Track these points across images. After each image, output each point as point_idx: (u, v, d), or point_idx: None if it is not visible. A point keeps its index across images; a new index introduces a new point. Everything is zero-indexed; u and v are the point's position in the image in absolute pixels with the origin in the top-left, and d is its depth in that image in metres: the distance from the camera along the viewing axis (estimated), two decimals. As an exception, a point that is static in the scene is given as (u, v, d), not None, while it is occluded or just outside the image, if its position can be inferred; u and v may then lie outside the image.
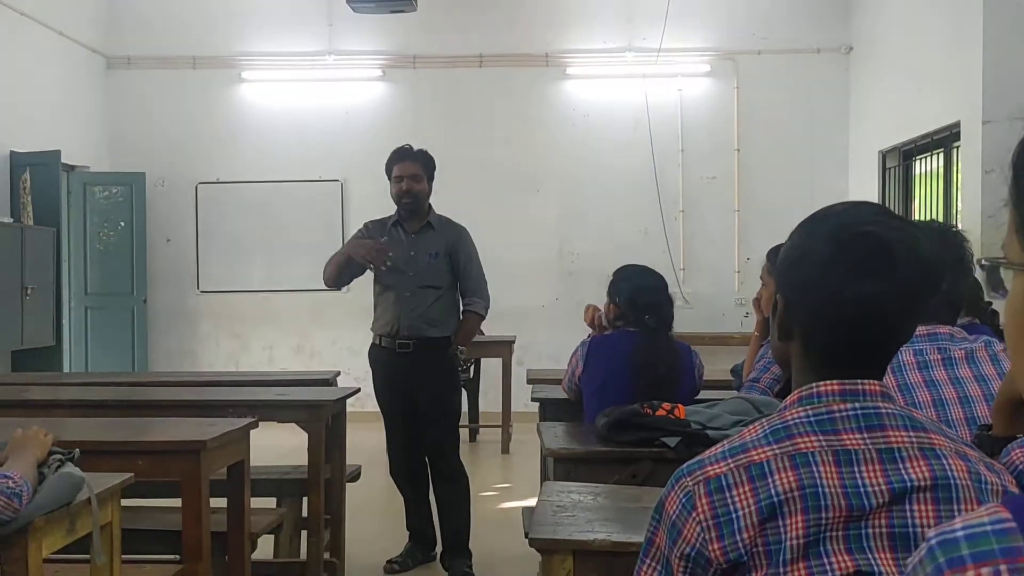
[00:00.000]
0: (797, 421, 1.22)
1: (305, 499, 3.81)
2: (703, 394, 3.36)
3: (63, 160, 7.51)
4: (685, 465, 1.26)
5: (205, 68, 8.67)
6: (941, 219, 6.90)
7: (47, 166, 7.19)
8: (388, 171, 4.27)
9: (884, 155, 7.77)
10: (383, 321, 4.14)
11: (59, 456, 2.09)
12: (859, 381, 1.25)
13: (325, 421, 3.60)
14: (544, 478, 2.78)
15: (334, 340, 8.55)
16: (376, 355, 4.21)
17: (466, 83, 8.64)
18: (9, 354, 6.96)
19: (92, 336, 8.11)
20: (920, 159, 7.33)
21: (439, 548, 4.26)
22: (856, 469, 1.18)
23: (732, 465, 1.21)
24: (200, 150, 8.69)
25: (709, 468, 1.23)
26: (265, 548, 3.84)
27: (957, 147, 6.44)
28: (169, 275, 8.69)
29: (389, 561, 4.19)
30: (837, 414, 1.22)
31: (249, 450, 3.02)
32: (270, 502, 3.96)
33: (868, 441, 1.20)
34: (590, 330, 3.38)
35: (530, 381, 4.70)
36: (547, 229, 8.63)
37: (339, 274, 4.18)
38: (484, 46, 8.57)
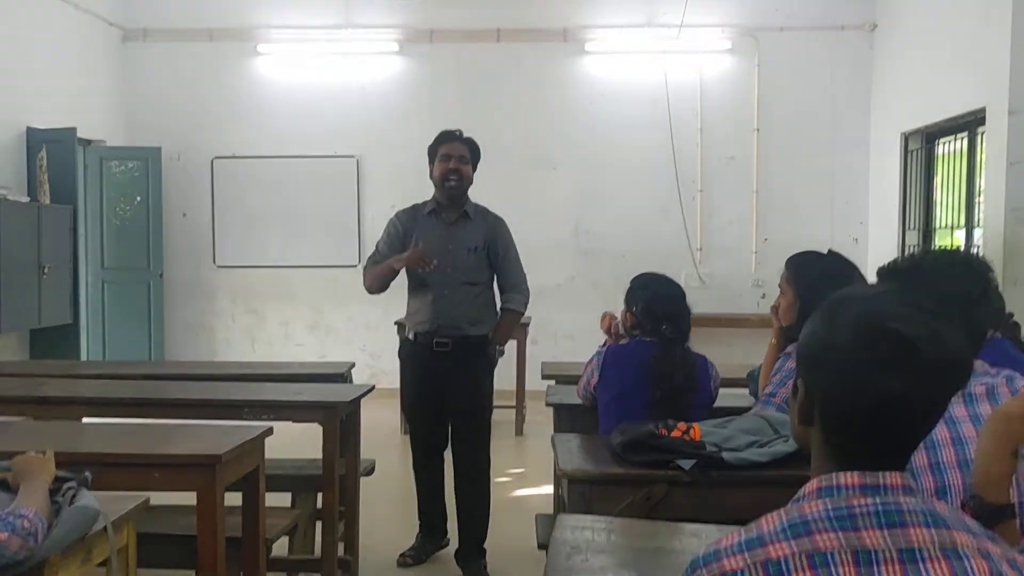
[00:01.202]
0: (816, 517, 1.20)
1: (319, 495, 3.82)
2: (720, 395, 3.32)
3: (79, 135, 7.52)
4: (702, 555, 1.24)
5: (221, 41, 8.61)
6: (963, 207, 6.82)
7: (63, 143, 7.18)
8: (432, 152, 4.10)
9: (906, 137, 7.65)
10: (419, 318, 4.03)
11: (72, 484, 2.09)
12: (880, 474, 1.22)
13: (340, 419, 3.61)
14: (557, 494, 2.78)
15: (350, 316, 8.56)
16: (410, 352, 4.12)
17: (483, 58, 8.55)
18: (28, 333, 7.01)
19: (109, 311, 8.16)
20: (943, 142, 7.22)
21: (448, 538, 4.28)
22: (876, 570, 1.16)
23: (749, 561, 1.19)
24: (216, 124, 8.66)
25: (725, 561, 1.21)
26: (279, 542, 3.87)
27: (982, 132, 6.33)
28: (185, 250, 8.71)
29: (402, 555, 4.21)
30: (857, 510, 1.20)
31: (264, 457, 3.02)
32: (285, 496, 3.99)
33: (888, 540, 1.18)
34: (607, 338, 3.35)
35: (545, 376, 4.70)
36: (563, 207, 8.58)
37: (383, 284, 4.07)
38: (501, 21, 8.47)
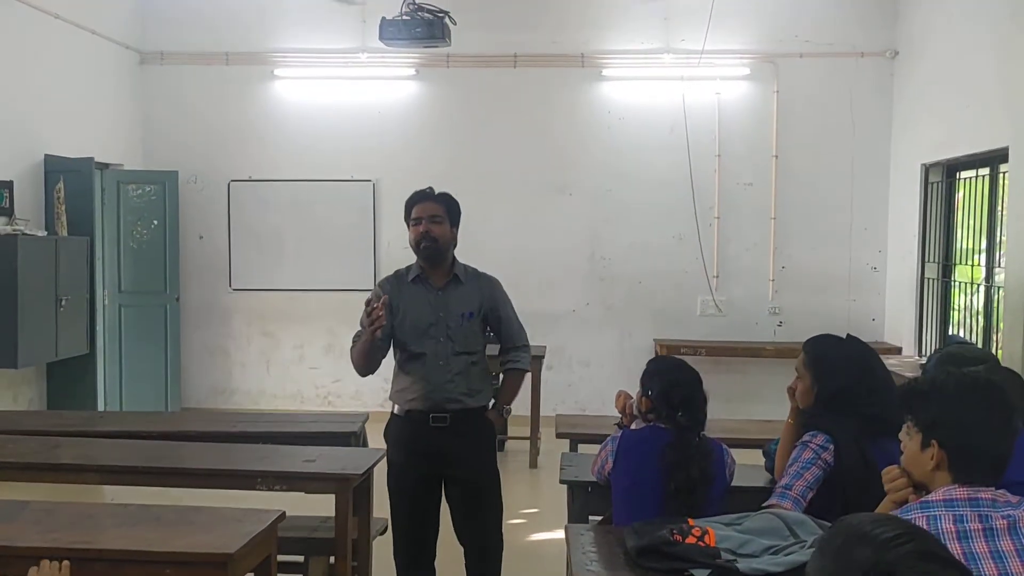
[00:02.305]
0: None
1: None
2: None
3: (97, 158, 7.54)
4: None
5: (238, 64, 8.62)
6: (984, 244, 6.74)
7: (80, 173, 7.20)
8: (407, 215, 3.77)
9: (927, 168, 7.57)
10: (411, 395, 3.66)
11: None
12: None
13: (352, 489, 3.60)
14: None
15: (364, 340, 8.55)
16: (399, 430, 3.73)
17: (500, 83, 8.51)
18: (44, 366, 7.04)
19: (126, 335, 8.19)
20: (964, 178, 7.14)
21: None
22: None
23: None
24: (232, 147, 8.68)
25: None
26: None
27: (1004, 171, 6.25)
28: (202, 273, 8.73)
29: None
30: None
31: (276, 545, 3.02)
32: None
33: None
34: (621, 416, 3.33)
35: (560, 435, 4.69)
36: (579, 233, 8.55)
37: (369, 361, 3.70)
38: (519, 46, 8.43)
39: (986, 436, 2.12)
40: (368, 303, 3.60)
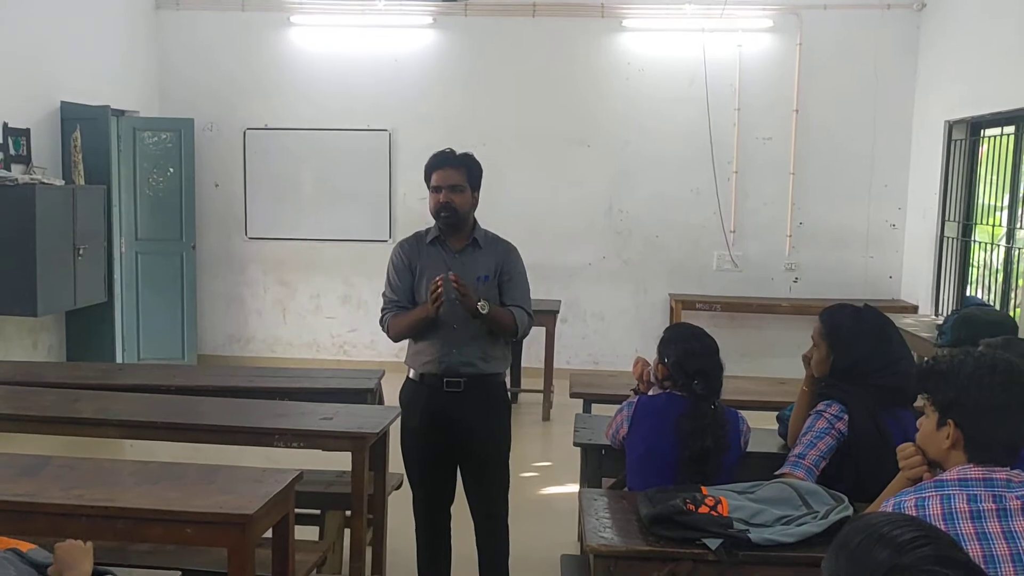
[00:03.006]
0: None
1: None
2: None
3: (113, 105, 7.52)
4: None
5: (254, 10, 8.53)
6: (1006, 204, 6.67)
7: (97, 121, 7.18)
8: (426, 178, 3.68)
9: (951, 125, 7.46)
10: (426, 357, 3.64)
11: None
12: None
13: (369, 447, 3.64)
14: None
15: (379, 290, 8.48)
16: (413, 394, 3.69)
17: (518, 33, 8.40)
18: (63, 314, 7.11)
19: (143, 282, 8.23)
20: (989, 136, 7.04)
21: None
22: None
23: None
24: (248, 95, 8.63)
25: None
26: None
27: (1029, 130, 6.16)
28: (217, 221, 8.74)
29: None
30: None
31: (293, 503, 3.06)
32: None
33: None
34: (635, 387, 3.34)
35: (574, 395, 4.71)
36: (596, 186, 8.49)
37: (416, 333, 3.67)
38: (538, -5, 8.30)
39: (1003, 418, 2.12)
40: (392, 265, 3.70)
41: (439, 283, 3.43)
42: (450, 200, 3.60)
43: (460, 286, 3.43)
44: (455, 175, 3.63)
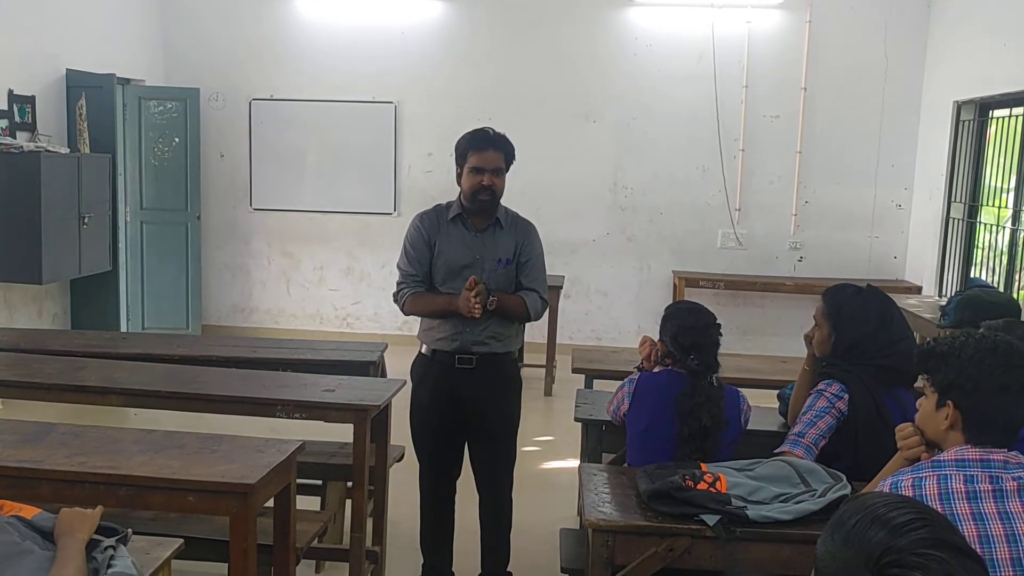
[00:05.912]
0: None
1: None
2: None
3: (118, 74, 7.49)
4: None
5: (260, -21, 8.48)
6: (1013, 186, 6.65)
7: (102, 89, 7.17)
8: (461, 155, 3.58)
9: (959, 106, 7.42)
10: (439, 334, 3.63)
11: (111, 543, 2.14)
12: None
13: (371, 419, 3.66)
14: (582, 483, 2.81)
15: (383, 263, 8.58)
16: (425, 369, 3.70)
17: (525, 6, 8.35)
18: (68, 282, 7.12)
19: (147, 251, 8.24)
20: (997, 116, 7.00)
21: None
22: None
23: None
24: (254, 65, 8.60)
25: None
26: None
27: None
28: (223, 191, 8.74)
29: None
30: None
31: (295, 474, 3.09)
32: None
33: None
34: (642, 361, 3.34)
35: (576, 370, 4.73)
36: (601, 161, 8.47)
37: (433, 317, 3.67)
38: (547, -32, 8.25)
39: (1002, 400, 2.13)
40: (410, 239, 3.64)
41: (476, 302, 3.44)
42: (492, 184, 3.56)
43: (479, 295, 3.47)
44: (498, 158, 3.57)
